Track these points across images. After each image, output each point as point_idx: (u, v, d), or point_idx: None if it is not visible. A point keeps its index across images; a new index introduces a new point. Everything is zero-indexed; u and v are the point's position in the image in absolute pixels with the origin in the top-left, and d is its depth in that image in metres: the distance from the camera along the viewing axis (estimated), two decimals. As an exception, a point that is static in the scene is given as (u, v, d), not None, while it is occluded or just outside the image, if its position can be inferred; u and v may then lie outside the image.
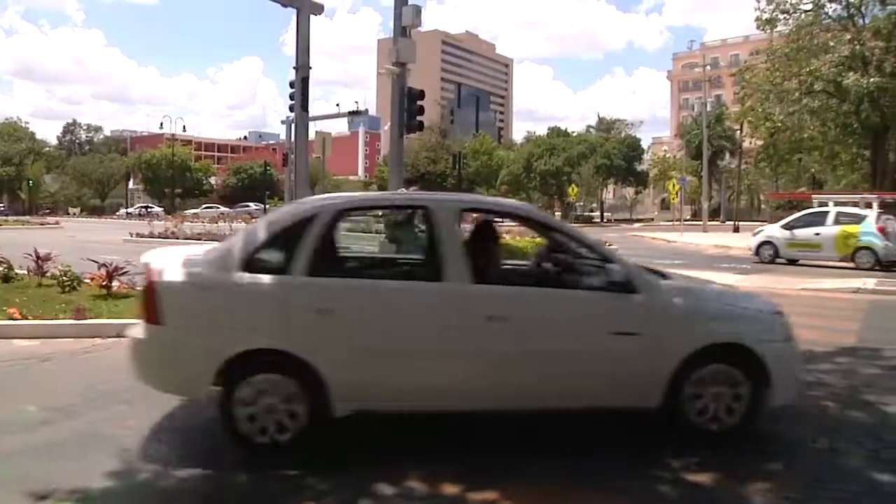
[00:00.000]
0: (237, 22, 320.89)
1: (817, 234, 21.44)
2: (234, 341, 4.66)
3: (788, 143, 35.94)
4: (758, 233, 24.76)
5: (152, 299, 4.76)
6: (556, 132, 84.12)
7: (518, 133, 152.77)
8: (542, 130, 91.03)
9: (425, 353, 4.80)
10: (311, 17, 25.99)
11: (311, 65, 25.68)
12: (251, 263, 4.82)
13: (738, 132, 63.50)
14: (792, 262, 22.02)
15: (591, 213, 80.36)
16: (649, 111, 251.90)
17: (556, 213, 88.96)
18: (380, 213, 6.45)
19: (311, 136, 26.88)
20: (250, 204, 63.60)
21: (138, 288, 9.86)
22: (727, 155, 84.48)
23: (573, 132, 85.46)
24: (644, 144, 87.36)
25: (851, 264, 20.35)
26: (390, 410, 4.91)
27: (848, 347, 8.58)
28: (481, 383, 4.83)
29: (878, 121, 30.72)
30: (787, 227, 23.02)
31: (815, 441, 5.10)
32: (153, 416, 5.35)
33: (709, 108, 66.13)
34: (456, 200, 5.60)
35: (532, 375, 4.84)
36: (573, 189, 64.56)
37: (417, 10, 21.79)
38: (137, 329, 4.96)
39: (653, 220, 78.29)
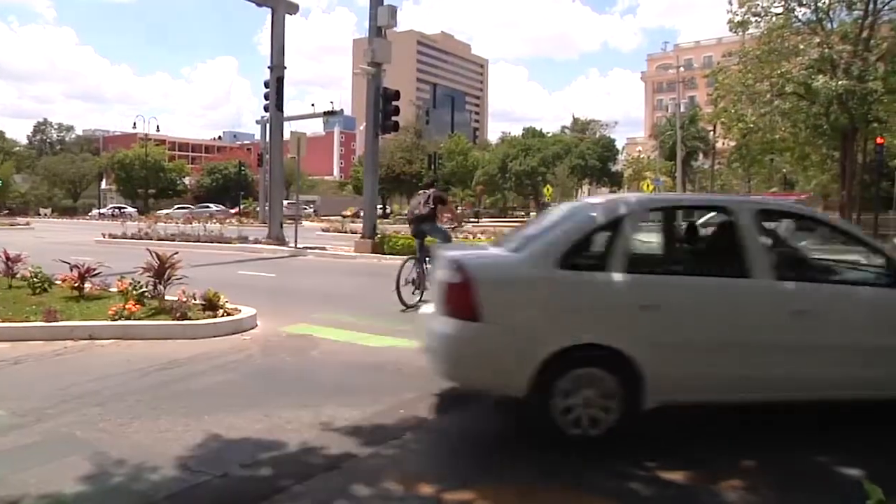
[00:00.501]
0: (212, 21, 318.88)
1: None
2: (558, 336, 4.80)
3: (760, 143, 36.28)
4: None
5: (469, 295, 4.82)
6: (531, 133, 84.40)
7: (493, 133, 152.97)
8: (517, 131, 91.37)
9: (737, 346, 4.97)
10: (287, 16, 25.98)
11: (285, 65, 25.66)
12: (567, 260, 4.97)
13: (712, 133, 64.09)
14: None
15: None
16: (624, 112, 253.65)
17: (532, 214, 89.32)
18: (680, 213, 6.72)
19: (286, 136, 26.82)
20: (210, 205, 63.82)
21: (112, 290, 9.83)
22: (701, 155, 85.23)
23: (548, 133, 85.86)
24: (619, 145, 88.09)
25: None
26: (697, 402, 5.11)
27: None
28: (785, 374, 5.00)
29: (846, 123, 31.16)
30: (705, 226, 24.36)
31: (789, 438, 5.15)
32: (126, 418, 5.30)
33: (682, 109, 66.79)
34: (753, 202, 6.03)
35: (831, 366, 5.06)
36: (548, 189, 64.77)
37: (393, 11, 21.78)
38: (443, 325, 5.01)
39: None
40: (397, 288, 11.13)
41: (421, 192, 12.67)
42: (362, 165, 42.79)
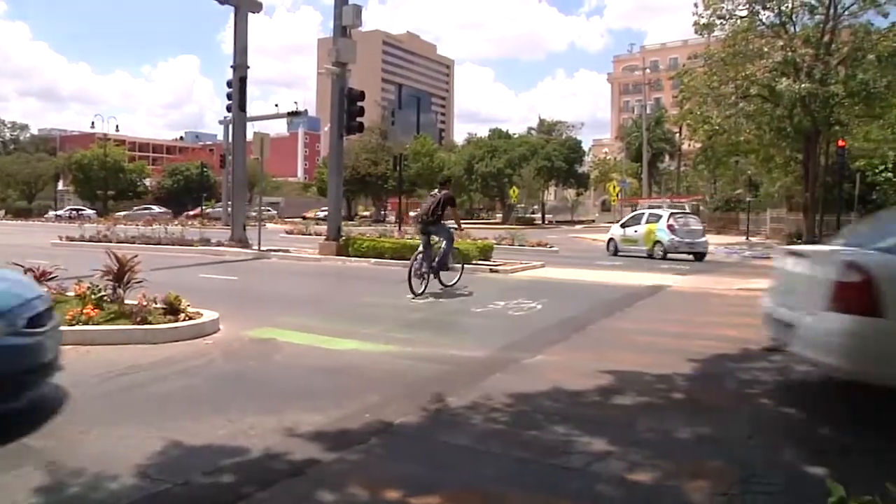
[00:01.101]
0: (173, 19, 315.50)
1: (636, 231, 25.91)
2: None
3: (726, 145, 36.86)
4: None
5: (870, 293, 5.10)
6: (497, 134, 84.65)
7: (459, 135, 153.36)
8: (483, 132, 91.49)
9: None
10: (250, 15, 25.81)
11: (249, 64, 25.48)
12: None
13: (678, 135, 64.91)
14: (624, 254, 25.52)
15: (532, 215, 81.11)
16: (590, 113, 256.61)
17: (498, 216, 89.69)
18: None
19: (250, 136, 26.63)
20: (153, 207, 63.61)
21: (69, 293, 9.64)
22: (667, 157, 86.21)
23: (514, 134, 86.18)
24: (585, 146, 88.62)
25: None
26: None
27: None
28: None
29: (809, 125, 31.77)
30: (622, 226, 27.23)
31: (752, 438, 5.22)
32: (84, 426, 5.21)
33: (649, 111, 67.58)
34: None
35: None
36: (514, 191, 65.08)
37: (358, 10, 21.74)
38: (840, 323, 5.25)
39: (594, 221, 79.45)
40: (409, 278, 12.79)
41: (434, 192, 13.94)
42: (327, 167, 42.54)
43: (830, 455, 4.83)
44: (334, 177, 22.86)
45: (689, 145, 49.96)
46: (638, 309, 12.37)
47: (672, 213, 26.22)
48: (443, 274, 13.52)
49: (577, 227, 67.83)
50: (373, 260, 19.66)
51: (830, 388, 6.65)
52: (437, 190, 14.06)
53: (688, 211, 32.73)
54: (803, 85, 29.60)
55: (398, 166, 48.75)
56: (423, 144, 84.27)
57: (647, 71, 64.71)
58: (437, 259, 13.35)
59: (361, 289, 14.67)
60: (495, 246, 22.31)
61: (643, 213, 27.23)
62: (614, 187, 54.40)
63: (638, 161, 70.51)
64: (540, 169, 73.84)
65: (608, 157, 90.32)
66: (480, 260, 19.34)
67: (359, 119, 21.84)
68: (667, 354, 8.14)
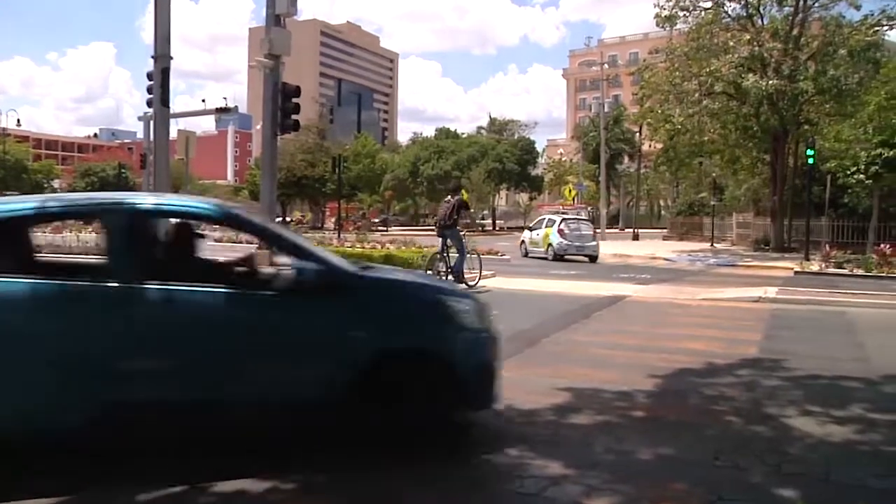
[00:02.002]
0: (83, 0, 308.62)
1: (538, 234, 30.56)
2: None
3: (689, 145, 37.35)
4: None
5: None
6: (444, 133, 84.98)
7: (404, 134, 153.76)
8: (429, 131, 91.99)
9: None
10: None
11: (172, 54, 25.05)
12: None
13: (638, 134, 65.65)
14: (532, 256, 29.93)
15: (482, 221, 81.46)
16: (544, 111, 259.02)
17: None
18: None
19: (173, 134, 26.18)
20: None
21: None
22: (626, 158, 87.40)
23: (463, 134, 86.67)
24: (539, 147, 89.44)
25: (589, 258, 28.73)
26: None
27: (749, 359, 9.04)
28: None
29: (776, 124, 32.41)
30: (530, 230, 32.39)
31: (718, 458, 5.32)
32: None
33: (607, 109, 68.43)
34: None
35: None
36: (463, 195, 65.28)
37: (292, -3, 21.61)
38: None
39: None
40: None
41: (447, 198, 17.14)
42: (259, 168, 42.14)
43: (802, 476, 4.95)
44: (267, 179, 22.61)
45: (650, 146, 50.61)
46: (595, 321, 12.53)
47: (564, 219, 30.55)
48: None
49: (531, 233, 68.19)
50: (434, 253, 19.44)
51: (800, 404, 6.82)
52: (449, 196, 17.25)
53: (582, 217, 37.53)
54: (771, 81, 30.21)
55: (337, 168, 48.54)
56: (364, 144, 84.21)
57: (606, 66, 65.54)
58: (452, 268, 15.89)
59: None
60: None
61: (545, 219, 32.11)
62: (570, 191, 54.89)
63: (595, 163, 71.24)
64: (490, 171, 74.27)
65: (564, 159, 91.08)
66: (426, 270, 19.28)
67: (294, 117, 21.66)
68: (626, 369, 8.26)
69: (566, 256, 28.43)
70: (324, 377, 5.12)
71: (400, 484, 4.76)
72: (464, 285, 15.20)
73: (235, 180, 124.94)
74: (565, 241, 28.79)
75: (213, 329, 5.04)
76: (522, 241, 32.46)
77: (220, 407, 5.07)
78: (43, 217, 6.15)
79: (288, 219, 79.88)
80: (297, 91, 21.83)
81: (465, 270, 16.29)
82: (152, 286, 4.95)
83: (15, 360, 4.71)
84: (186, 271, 5.22)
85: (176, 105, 27.60)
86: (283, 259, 5.82)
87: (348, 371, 5.09)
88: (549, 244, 28.91)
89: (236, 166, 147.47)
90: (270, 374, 5.07)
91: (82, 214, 7.32)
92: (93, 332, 4.85)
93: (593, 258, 28.90)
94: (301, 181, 74.06)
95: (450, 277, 15.58)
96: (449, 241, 16.16)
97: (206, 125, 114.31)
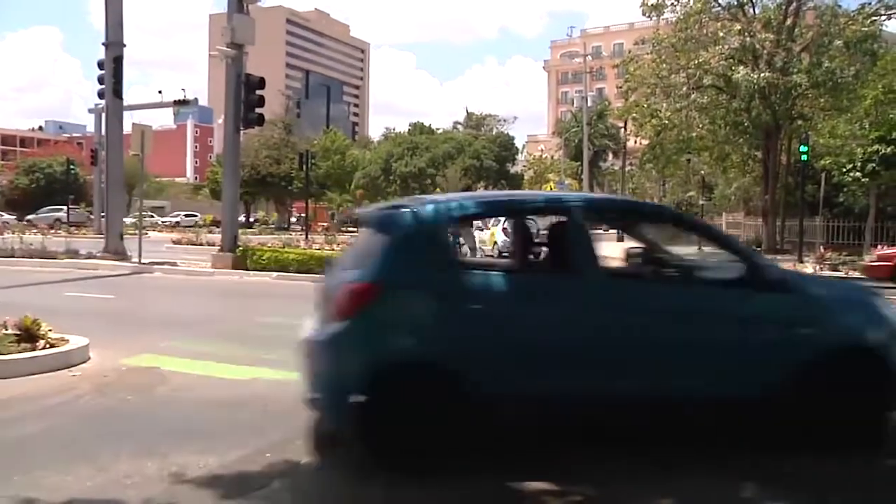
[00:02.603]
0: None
1: (486, 234, 31.44)
2: None
3: (676, 142, 37.56)
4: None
5: None
6: (418, 129, 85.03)
7: (375, 129, 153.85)
8: (402, 126, 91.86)
9: None
10: (126, -16, 25.18)
11: (125, 42, 24.84)
12: None
13: (623, 130, 66.05)
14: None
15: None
16: (524, 106, 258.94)
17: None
18: None
19: (127, 128, 25.95)
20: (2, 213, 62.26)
21: None
22: (610, 155, 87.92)
23: (438, 129, 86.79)
24: (518, 143, 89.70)
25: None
26: None
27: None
28: None
29: (769, 119, 32.62)
30: (480, 230, 32.55)
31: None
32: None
33: (590, 103, 68.81)
34: None
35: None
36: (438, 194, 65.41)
37: (256, -18, 21.52)
38: None
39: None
40: None
41: None
42: (221, 165, 41.95)
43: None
44: (230, 177, 22.53)
45: (636, 142, 50.90)
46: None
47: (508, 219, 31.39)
48: None
49: (511, 234, 68.35)
50: (275, 274, 19.51)
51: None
52: None
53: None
54: (763, 74, 30.41)
55: (305, 165, 48.22)
56: (333, 140, 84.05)
57: (589, 58, 65.87)
58: None
59: (263, 307, 14.45)
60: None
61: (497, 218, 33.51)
62: (551, 189, 54.98)
63: (578, 160, 71.54)
64: (467, 169, 74.39)
65: (544, 156, 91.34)
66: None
67: (258, 110, 21.59)
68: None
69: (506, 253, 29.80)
70: (766, 373, 5.45)
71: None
72: None
73: (195, 178, 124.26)
74: (508, 240, 28.36)
75: (684, 322, 5.51)
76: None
77: (668, 401, 5.53)
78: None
79: (252, 218, 79.61)
80: (261, 83, 21.72)
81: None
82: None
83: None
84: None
85: (130, 96, 27.34)
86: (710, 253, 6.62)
87: (790, 367, 5.44)
88: (495, 242, 30.71)
89: (196, 163, 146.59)
90: (722, 368, 5.48)
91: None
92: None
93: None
94: (266, 179, 73.64)
95: None
96: (462, 238, 17.97)
97: (164, 119, 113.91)
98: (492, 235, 31.82)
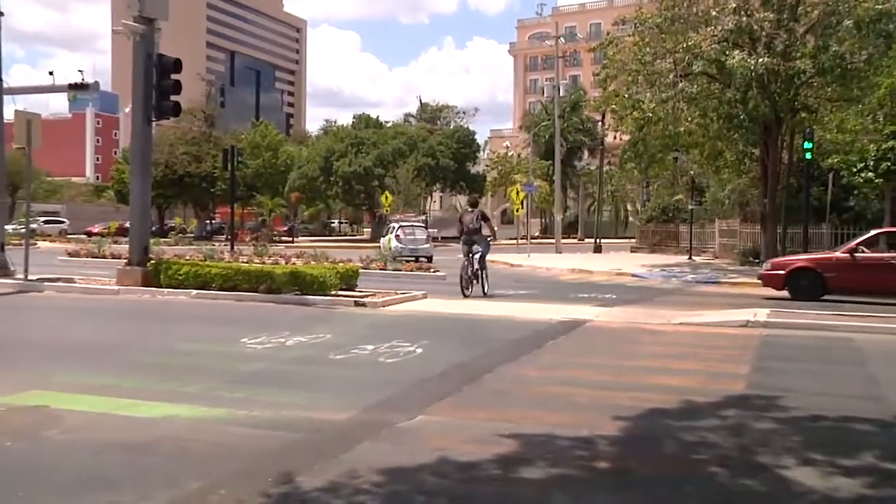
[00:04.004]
0: None
1: (385, 240, 43.61)
2: None
3: (661, 137, 37.67)
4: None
5: None
6: (364, 122, 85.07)
7: (314, 122, 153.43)
8: (346, 119, 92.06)
9: None
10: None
11: (2, 9, 24.54)
12: None
13: (600, 124, 66.61)
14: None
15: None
16: (487, 96, 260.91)
17: (366, 230, 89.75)
18: None
19: (9, 116, 25.55)
20: None
21: None
22: (586, 153, 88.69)
23: (387, 122, 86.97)
24: (480, 139, 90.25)
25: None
26: None
27: (736, 396, 9.17)
28: None
29: (767, 111, 32.75)
30: (383, 236, 45.71)
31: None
32: None
33: (562, 93, 69.23)
34: None
35: None
36: (387, 197, 65.29)
37: (170, -53, 21.38)
38: None
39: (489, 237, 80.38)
40: (461, 282, 21.27)
41: (470, 210, 22.52)
42: (129, 163, 41.45)
43: None
44: (139, 177, 22.29)
45: (615, 138, 51.19)
46: (549, 351, 12.62)
47: (401, 226, 45.02)
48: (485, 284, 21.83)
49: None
50: (194, 292, 19.41)
51: (800, 452, 6.91)
52: (469, 209, 22.93)
53: (417, 224, 51.11)
54: (761, 59, 30.63)
55: (230, 164, 47.99)
56: (264, 134, 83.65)
57: (561, 40, 66.16)
58: (478, 262, 21.52)
59: (179, 332, 14.36)
60: (361, 270, 22.48)
61: (393, 226, 45.62)
62: (518, 192, 55.08)
63: (549, 158, 72.11)
64: (420, 168, 74.54)
65: (510, 154, 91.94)
66: (342, 289, 19.50)
67: (173, 98, 21.41)
68: (587, 411, 8.32)
69: (401, 258, 37.23)
70: None
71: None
72: (483, 292, 21.36)
73: (97, 177, 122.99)
74: (400, 245, 41.81)
75: None
76: (379, 247, 43.92)
77: None
78: None
79: (167, 226, 78.92)
80: (176, 65, 21.55)
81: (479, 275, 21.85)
82: None
83: None
84: None
85: (13, 77, 26.93)
86: None
87: None
88: (390, 248, 39.94)
89: (98, 159, 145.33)
90: None
91: None
92: None
93: (427, 258, 39.25)
94: (183, 180, 73.30)
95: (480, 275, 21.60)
96: (476, 245, 21.62)
97: (57, 105, 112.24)
98: (388, 241, 42.46)
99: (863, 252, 22.24)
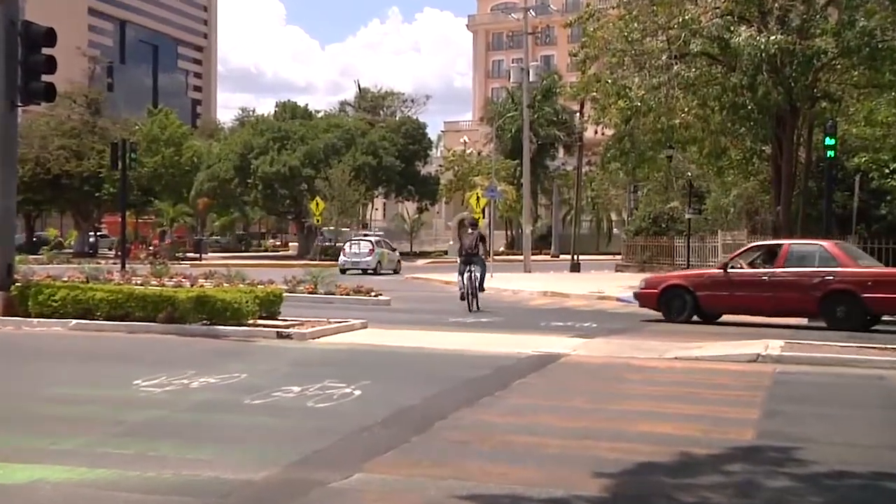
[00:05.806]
0: None
1: (352, 251, 55.89)
2: None
3: (652, 132, 37.83)
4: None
5: None
6: (290, 111, 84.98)
7: (228, 111, 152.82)
8: (267, 107, 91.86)
9: None
10: None
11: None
12: None
13: (578, 115, 66.83)
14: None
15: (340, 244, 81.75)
16: (441, 80, 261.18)
17: (293, 244, 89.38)
18: None
19: None
20: None
21: None
22: (561, 151, 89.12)
23: (318, 112, 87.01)
24: (433, 133, 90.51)
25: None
26: None
27: (744, 447, 9.20)
28: None
29: (781, 100, 32.82)
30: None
31: None
32: None
33: (532, 78, 69.23)
34: None
35: None
36: (318, 204, 65.25)
37: None
38: None
39: (446, 252, 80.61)
40: (466, 299, 26.27)
41: (470, 232, 28.63)
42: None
43: None
44: (2, 177, 22.08)
45: (597, 132, 51.34)
46: (516, 393, 12.63)
47: (349, 241, 58.76)
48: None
49: (421, 261, 68.81)
50: (73, 322, 19.07)
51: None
52: (469, 230, 29.93)
53: (366, 237, 61.36)
54: (773, 37, 30.79)
55: (121, 162, 47.57)
56: (164, 125, 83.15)
57: (531, 14, 66.61)
58: (478, 283, 26.75)
59: (53, 373, 14.11)
60: (286, 294, 22.45)
61: (355, 240, 57.56)
62: (478, 199, 55.20)
63: (516, 157, 72.30)
64: (359, 168, 74.49)
65: (469, 151, 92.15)
66: (262, 318, 19.42)
67: (45, 78, 21.22)
68: (562, 465, 8.33)
69: (349, 271, 49.48)
70: None
71: None
72: (476, 307, 26.45)
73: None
74: (345, 258, 53.87)
75: None
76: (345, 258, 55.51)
77: None
78: None
79: (38, 238, 78.04)
80: (48, 36, 21.34)
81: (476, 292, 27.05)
82: None
83: None
84: None
85: None
86: None
87: None
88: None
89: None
90: None
91: None
92: None
93: (371, 272, 50.36)
94: (60, 181, 72.49)
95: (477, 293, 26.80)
96: (474, 264, 26.70)
97: None
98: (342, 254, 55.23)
99: (737, 268, 23.72)
